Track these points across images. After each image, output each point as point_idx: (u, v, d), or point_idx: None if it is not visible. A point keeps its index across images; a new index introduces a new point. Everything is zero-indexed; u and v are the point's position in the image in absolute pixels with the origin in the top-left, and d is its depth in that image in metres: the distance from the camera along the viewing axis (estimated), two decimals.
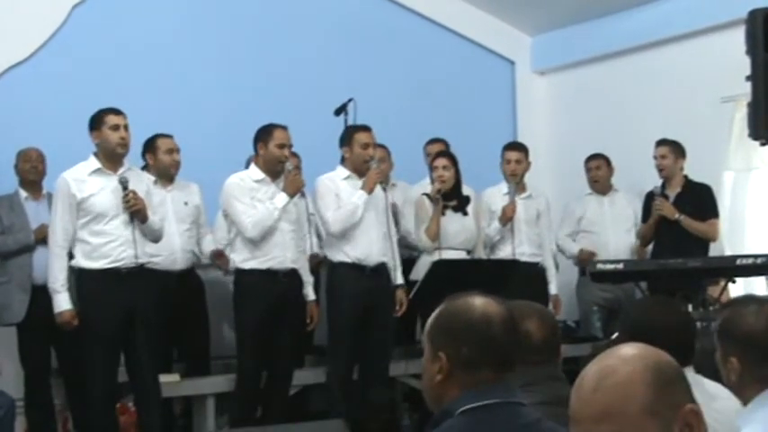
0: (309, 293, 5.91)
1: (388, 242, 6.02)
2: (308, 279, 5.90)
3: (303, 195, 5.93)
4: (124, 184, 5.24)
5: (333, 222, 5.87)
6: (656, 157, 6.91)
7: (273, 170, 5.70)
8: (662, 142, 6.93)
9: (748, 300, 2.71)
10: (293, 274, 5.74)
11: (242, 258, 5.70)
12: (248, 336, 5.68)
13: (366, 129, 6.04)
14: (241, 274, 5.71)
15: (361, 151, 5.93)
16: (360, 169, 5.96)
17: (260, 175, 5.71)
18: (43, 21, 6.74)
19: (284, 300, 5.67)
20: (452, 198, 6.47)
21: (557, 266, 7.23)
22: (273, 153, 5.66)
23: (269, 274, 5.64)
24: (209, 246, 6.13)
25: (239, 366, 5.74)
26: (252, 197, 5.64)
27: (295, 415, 5.92)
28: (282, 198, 5.64)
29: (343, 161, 6.08)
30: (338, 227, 5.87)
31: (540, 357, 2.69)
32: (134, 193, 5.24)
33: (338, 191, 5.92)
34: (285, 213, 5.66)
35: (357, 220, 5.87)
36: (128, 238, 5.24)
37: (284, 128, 5.72)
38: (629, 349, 1.58)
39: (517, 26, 8.79)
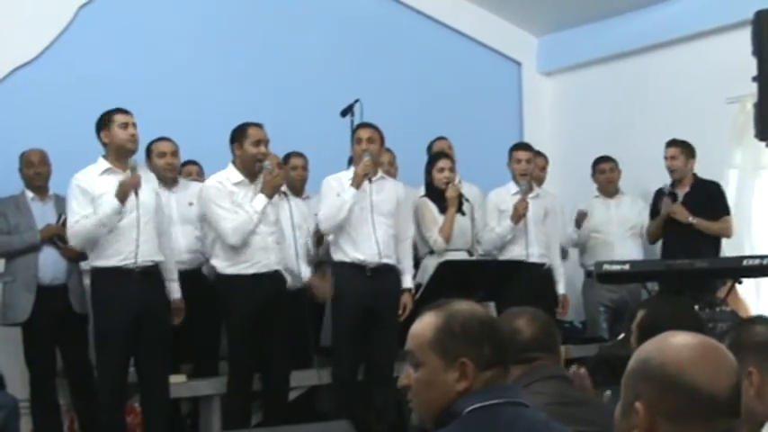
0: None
1: (392, 243, 5.96)
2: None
3: (286, 196, 5.93)
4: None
5: (322, 220, 5.89)
6: (666, 158, 6.90)
7: (251, 170, 5.55)
8: (672, 143, 6.91)
9: (757, 317, 2.74)
10: (276, 276, 5.65)
11: (224, 264, 5.57)
12: (236, 340, 5.63)
13: (366, 125, 5.99)
14: (224, 279, 5.58)
15: (356, 147, 5.92)
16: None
17: (238, 177, 5.56)
18: (49, 22, 6.74)
19: (270, 302, 5.57)
20: None
21: None
22: (249, 152, 5.52)
23: (254, 278, 5.53)
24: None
25: (229, 369, 5.70)
26: (232, 201, 5.51)
27: (302, 416, 5.91)
28: (261, 200, 5.50)
29: (350, 162, 6.11)
30: (326, 225, 5.87)
31: (536, 355, 2.70)
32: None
33: (342, 191, 5.85)
34: (263, 216, 5.53)
35: (344, 216, 5.78)
36: (134, 238, 5.24)
37: (258, 125, 5.60)
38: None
39: (523, 27, 8.78)
